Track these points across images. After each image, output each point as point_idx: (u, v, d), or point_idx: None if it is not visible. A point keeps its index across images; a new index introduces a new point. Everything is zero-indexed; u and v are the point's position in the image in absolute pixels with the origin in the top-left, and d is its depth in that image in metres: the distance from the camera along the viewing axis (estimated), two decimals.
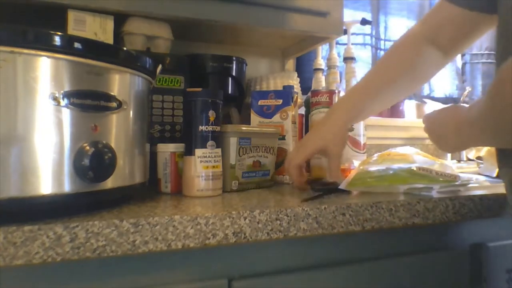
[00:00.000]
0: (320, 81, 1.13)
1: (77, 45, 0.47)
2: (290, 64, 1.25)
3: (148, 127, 0.64)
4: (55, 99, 0.45)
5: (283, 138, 0.81)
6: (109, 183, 0.50)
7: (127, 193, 0.59)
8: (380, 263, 0.63)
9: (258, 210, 0.52)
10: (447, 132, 0.59)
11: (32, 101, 0.44)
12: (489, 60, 1.56)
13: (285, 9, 0.90)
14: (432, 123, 0.64)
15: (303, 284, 0.58)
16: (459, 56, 1.57)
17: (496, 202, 0.67)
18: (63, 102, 0.46)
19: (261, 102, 0.83)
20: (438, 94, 1.53)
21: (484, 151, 1.10)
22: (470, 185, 0.71)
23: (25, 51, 0.43)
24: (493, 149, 0.69)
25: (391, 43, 1.41)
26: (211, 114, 0.63)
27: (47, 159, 0.45)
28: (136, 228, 0.46)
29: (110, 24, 0.77)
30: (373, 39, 1.38)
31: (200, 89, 0.64)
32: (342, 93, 0.93)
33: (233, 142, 0.69)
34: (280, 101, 0.81)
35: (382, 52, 1.41)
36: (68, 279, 0.47)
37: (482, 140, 0.58)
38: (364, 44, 1.37)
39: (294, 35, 1.03)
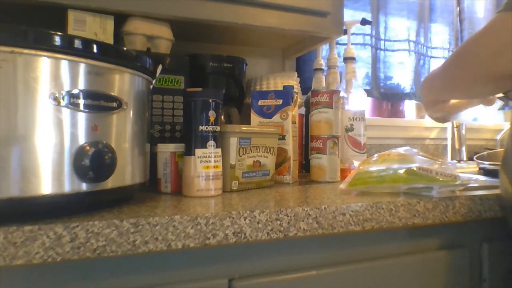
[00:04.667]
0: (320, 81, 1.13)
1: (77, 45, 0.47)
2: (290, 64, 1.25)
3: (148, 127, 0.64)
4: (55, 99, 0.45)
5: (283, 138, 0.81)
6: (109, 183, 0.50)
7: (127, 193, 0.59)
8: (380, 263, 0.63)
9: (258, 210, 0.52)
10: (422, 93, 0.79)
11: (32, 101, 0.44)
12: None
13: (285, 9, 0.90)
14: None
15: (303, 284, 0.58)
16: None
17: (496, 202, 0.67)
18: (63, 102, 0.46)
19: (261, 102, 0.83)
20: None
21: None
22: (470, 185, 0.71)
23: (25, 51, 0.44)
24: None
25: (391, 43, 1.42)
26: (211, 114, 0.63)
27: (47, 159, 0.45)
28: (136, 228, 0.46)
29: (110, 24, 0.77)
30: (373, 39, 1.38)
31: (200, 89, 0.64)
32: (342, 93, 0.93)
33: (233, 142, 0.69)
34: (280, 101, 0.81)
35: (382, 52, 1.41)
36: (68, 279, 0.47)
37: (437, 92, 0.74)
38: (364, 44, 1.37)
39: (294, 35, 1.03)
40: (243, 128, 0.71)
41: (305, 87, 1.18)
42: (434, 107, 0.79)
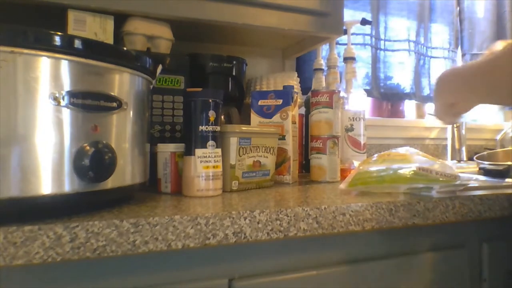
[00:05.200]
0: (320, 81, 1.13)
1: (77, 45, 0.47)
2: (290, 64, 1.25)
3: (148, 127, 0.64)
4: (55, 99, 0.45)
5: (283, 138, 0.81)
6: (109, 183, 0.50)
7: (127, 193, 0.59)
8: (380, 263, 0.63)
9: (258, 210, 0.52)
10: (440, 87, 0.67)
11: (32, 101, 0.44)
12: None
13: (285, 9, 0.90)
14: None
15: (303, 284, 0.58)
16: (459, 56, 1.57)
17: (496, 202, 0.67)
18: (63, 102, 0.46)
19: (261, 102, 0.83)
20: None
21: None
22: (470, 185, 0.71)
23: (25, 51, 0.44)
24: None
25: (391, 43, 1.42)
26: (211, 114, 0.63)
27: (47, 159, 0.45)
28: (136, 228, 0.46)
29: (110, 24, 0.77)
30: (373, 39, 1.38)
31: (200, 89, 0.64)
32: (342, 93, 0.93)
33: (233, 142, 0.69)
34: (280, 101, 0.81)
35: (382, 52, 1.41)
36: (68, 279, 0.47)
37: (471, 91, 0.63)
38: (364, 44, 1.37)
39: (294, 35, 1.03)
40: (243, 128, 0.71)
41: (305, 87, 1.18)
42: (451, 110, 0.68)
